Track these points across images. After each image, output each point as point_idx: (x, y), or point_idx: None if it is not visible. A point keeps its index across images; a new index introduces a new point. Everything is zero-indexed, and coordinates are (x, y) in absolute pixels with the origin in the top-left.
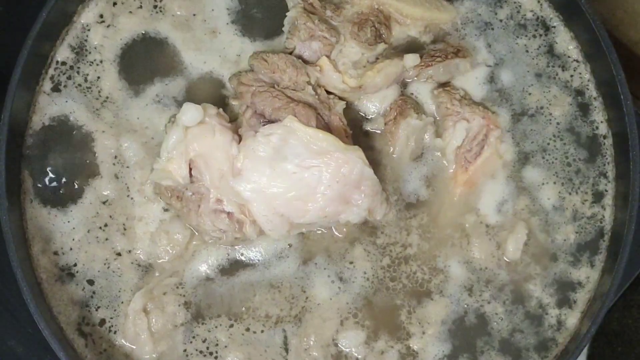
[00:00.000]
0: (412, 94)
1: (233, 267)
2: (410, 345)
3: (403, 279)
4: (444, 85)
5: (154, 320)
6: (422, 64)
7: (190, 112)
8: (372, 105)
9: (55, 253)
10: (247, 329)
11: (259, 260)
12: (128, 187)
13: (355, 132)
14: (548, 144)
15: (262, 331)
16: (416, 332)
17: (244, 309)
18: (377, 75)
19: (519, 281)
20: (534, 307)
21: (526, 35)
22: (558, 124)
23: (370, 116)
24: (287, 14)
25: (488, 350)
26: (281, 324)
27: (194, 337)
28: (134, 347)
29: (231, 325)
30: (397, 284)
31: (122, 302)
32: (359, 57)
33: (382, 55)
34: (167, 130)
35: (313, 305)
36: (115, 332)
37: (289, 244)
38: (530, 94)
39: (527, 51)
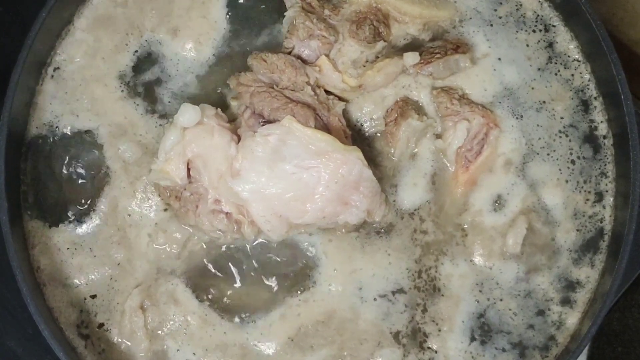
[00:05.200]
0: (410, 95)
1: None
2: (430, 345)
3: (424, 276)
4: (443, 85)
5: (150, 318)
6: (422, 61)
7: (188, 113)
8: (372, 106)
9: (56, 255)
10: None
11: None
12: (125, 193)
13: (355, 132)
14: (554, 140)
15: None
16: (432, 331)
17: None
18: (377, 75)
19: (524, 275)
20: (540, 299)
21: (526, 30)
22: (562, 118)
23: (370, 117)
24: (286, 13)
25: (494, 347)
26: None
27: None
28: (129, 343)
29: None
30: (421, 281)
31: (118, 303)
32: (358, 55)
33: (381, 54)
34: (165, 131)
35: (352, 325)
36: (110, 331)
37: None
38: (533, 88)
39: (527, 45)
